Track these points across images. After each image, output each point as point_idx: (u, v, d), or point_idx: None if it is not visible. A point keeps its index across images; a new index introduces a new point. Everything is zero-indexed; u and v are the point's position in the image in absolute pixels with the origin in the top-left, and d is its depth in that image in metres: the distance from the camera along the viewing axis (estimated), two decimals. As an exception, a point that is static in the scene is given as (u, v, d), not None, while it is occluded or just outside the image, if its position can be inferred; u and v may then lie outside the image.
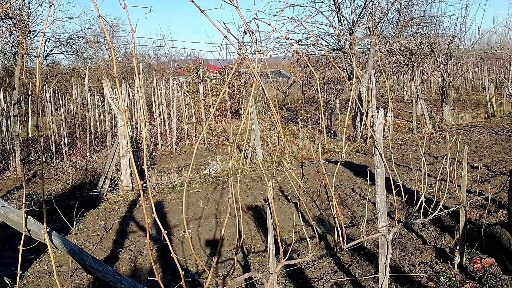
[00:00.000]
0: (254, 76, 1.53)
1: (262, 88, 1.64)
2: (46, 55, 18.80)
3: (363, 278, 3.43)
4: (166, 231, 1.47)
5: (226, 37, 1.43)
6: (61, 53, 19.88)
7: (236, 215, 1.79)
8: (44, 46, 17.47)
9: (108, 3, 41.27)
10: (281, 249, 1.93)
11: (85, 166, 9.04)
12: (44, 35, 1.47)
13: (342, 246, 2.21)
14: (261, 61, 1.54)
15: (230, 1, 1.42)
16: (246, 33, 1.46)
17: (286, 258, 2.02)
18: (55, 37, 18.00)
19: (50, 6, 1.28)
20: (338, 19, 11.33)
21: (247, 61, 1.49)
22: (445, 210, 4.60)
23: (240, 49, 1.49)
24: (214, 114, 14.39)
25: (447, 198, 5.17)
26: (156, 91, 12.81)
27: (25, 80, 14.54)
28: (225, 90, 13.88)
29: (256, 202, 5.95)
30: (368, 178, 2.59)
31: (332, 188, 2.09)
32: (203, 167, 8.91)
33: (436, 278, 3.32)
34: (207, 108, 13.95)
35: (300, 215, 4.89)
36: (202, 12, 1.41)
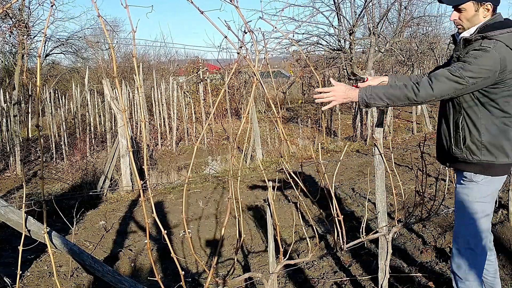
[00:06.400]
0: (254, 75, 1.53)
1: (263, 88, 1.64)
2: (46, 55, 18.83)
3: (363, 278, 3.43)
4: (166, 231, 1.47)
5: (226, 37, 1.44)
6: (61, 53, 19.93)
7: (236, 215, 1.79)
8: (44, 46, 17.49)
9: (108, 3, 41.29)
10: (281, 249, 1.93)
11: (85, 166, 9.04)
12: (45, 35, 1.47)
13: (342, 246, 2.21)
14: (262, 60, 1.54)
15: (231, 1, 1.42)
16: (246, 33, 1.46)
17: (286, 258, 2.02)
18: (55, 37, 18.04)
19: (52, 6, 1.28)
20: (338, 19, 11.32)
21: (248, 61, 1.50)
22: (445, 210, 4.60)
23: (241, 47, 1.49)
24: (214, 114, 14.39)
25: (447, 198, 5.17)
26: (156, 91, 12.81)
27: (25, 80, 14.55)
28: (225, 90, 13.87)
29: (256, 202, 5.96)
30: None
31: (332, 188, 2.09)
32: (203, 167, 8.91)
33: (436, 278, 3.32)
34: (207, 108, 13.95)
35: (300, 215, 4.89)
36: (202, 13, 1.41)
